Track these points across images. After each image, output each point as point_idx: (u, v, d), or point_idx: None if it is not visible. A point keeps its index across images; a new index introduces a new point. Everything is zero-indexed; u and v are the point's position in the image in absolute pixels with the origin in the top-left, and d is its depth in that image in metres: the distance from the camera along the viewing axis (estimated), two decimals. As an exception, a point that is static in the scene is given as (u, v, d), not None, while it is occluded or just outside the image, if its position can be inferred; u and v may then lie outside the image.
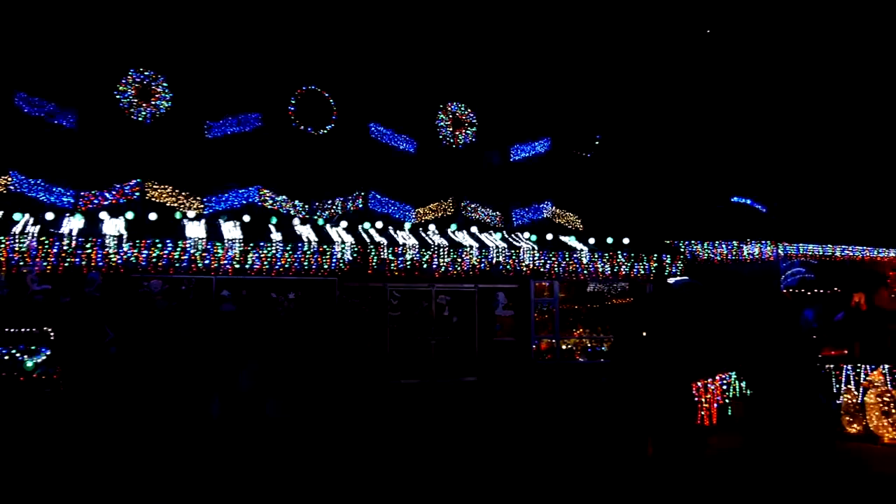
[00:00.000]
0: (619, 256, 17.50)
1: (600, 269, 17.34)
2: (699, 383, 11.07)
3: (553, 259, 17.15)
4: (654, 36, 22.68)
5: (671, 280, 15.90)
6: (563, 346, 17.64)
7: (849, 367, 12.35)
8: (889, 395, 10.94)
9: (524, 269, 16.90)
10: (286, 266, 15.18)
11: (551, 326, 17.61)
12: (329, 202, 17.81)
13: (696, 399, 10.56)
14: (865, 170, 22.62)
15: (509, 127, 19.99)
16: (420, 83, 19.45)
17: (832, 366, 12.08)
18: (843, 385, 11.62)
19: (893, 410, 10.85)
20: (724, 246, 18.78)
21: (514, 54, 20.40)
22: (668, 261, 17.63)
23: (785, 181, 21.88)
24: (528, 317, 17.33)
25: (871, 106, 23.31)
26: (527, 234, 18.18)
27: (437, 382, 16.44)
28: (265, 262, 15.01)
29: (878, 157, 22.93)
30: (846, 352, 14.76)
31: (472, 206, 18.76)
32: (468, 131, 19.54)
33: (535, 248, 17.20)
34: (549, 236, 17.96)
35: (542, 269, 17.03)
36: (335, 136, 18.36)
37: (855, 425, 11.25)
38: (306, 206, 17.49)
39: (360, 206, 17.86)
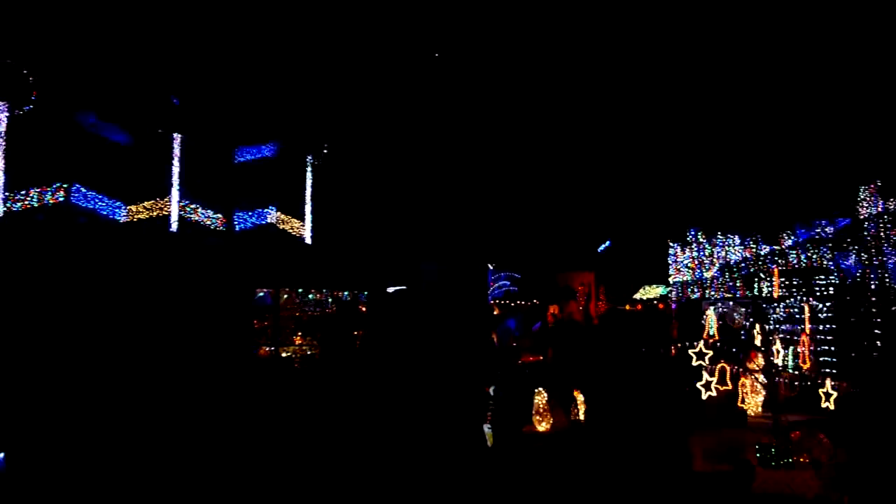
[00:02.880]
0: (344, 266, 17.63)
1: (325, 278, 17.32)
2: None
3: (279, 266, 16.80)
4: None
5: (390, 289, 16.39)
6: (283, 354, 17.28)
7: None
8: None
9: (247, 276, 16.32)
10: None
11: (270, 333, 17.15)
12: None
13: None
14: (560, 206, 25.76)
15: (234, 127, 19.18)
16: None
17: (528, 370, 13.28)
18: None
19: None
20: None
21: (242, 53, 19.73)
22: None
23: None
24: (248, 324, 16.71)
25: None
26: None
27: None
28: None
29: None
30: (541, 357, 16.32)
31: (193, 206, 17.72)
32: None
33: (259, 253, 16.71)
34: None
35: (265, 277, 16.57)
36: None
37: (544, 424, 12.39)
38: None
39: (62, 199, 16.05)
